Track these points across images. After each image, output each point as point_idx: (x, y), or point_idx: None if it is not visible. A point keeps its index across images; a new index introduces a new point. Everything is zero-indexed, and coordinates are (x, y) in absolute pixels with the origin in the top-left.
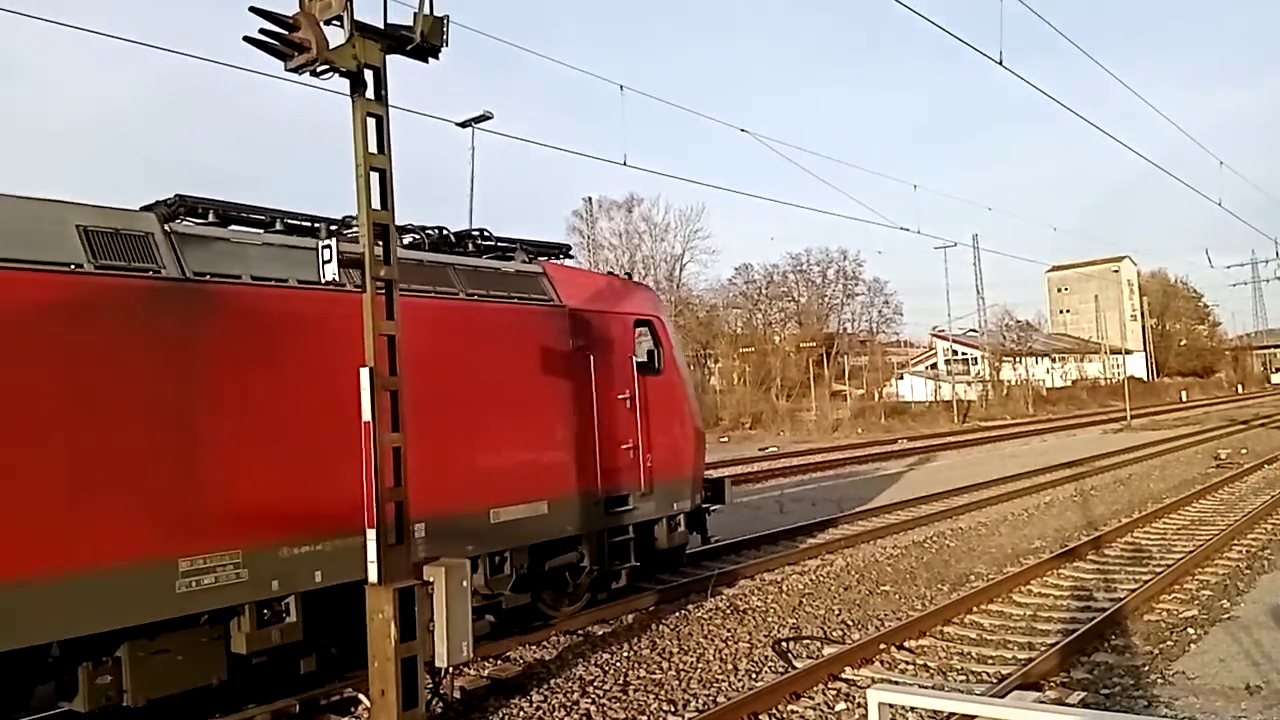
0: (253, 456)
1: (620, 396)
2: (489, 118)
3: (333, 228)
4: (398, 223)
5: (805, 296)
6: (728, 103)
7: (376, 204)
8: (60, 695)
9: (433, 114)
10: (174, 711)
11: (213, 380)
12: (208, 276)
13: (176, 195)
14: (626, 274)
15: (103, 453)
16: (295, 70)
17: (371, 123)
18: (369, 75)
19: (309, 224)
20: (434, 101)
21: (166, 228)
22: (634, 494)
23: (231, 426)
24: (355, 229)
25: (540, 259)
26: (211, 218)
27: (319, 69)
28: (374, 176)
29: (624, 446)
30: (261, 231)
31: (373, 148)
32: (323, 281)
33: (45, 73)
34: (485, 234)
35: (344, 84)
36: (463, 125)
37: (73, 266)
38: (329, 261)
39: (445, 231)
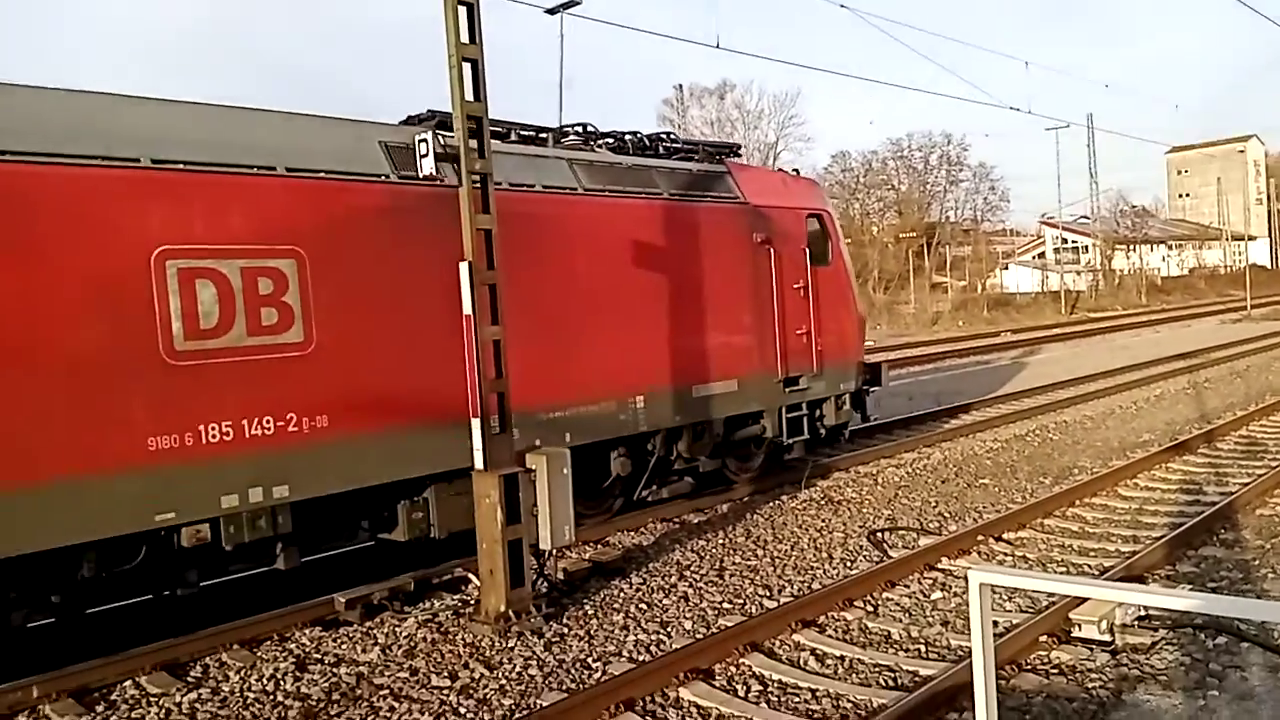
0: (515, 339)
1: (795, 286)
2: (578, 3)
3: (543, 135)
4: (590, 128)
5: (905, 184)
6: None
7: (470, 95)
8: (377, 529)
9: (522, 0)
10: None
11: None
12: None
13: (429, 110)
14: (795, 170)
15: (429, 332)
16: None
17: (463, 11)
18: None
19: (535, 133)
20: None
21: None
22: (807, 374)
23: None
24: (572, 137)
25: (723, 157)
26: None
27: None
28: (466, 68)
29: (799, 332)
30: (501, 143)
31: (464, 37)
32: (421, 176)
33: None
34: (672, 136)
35: None
36: (551, 12)
37: (383, 176)
38: (425, 156)
39: (639, 136)
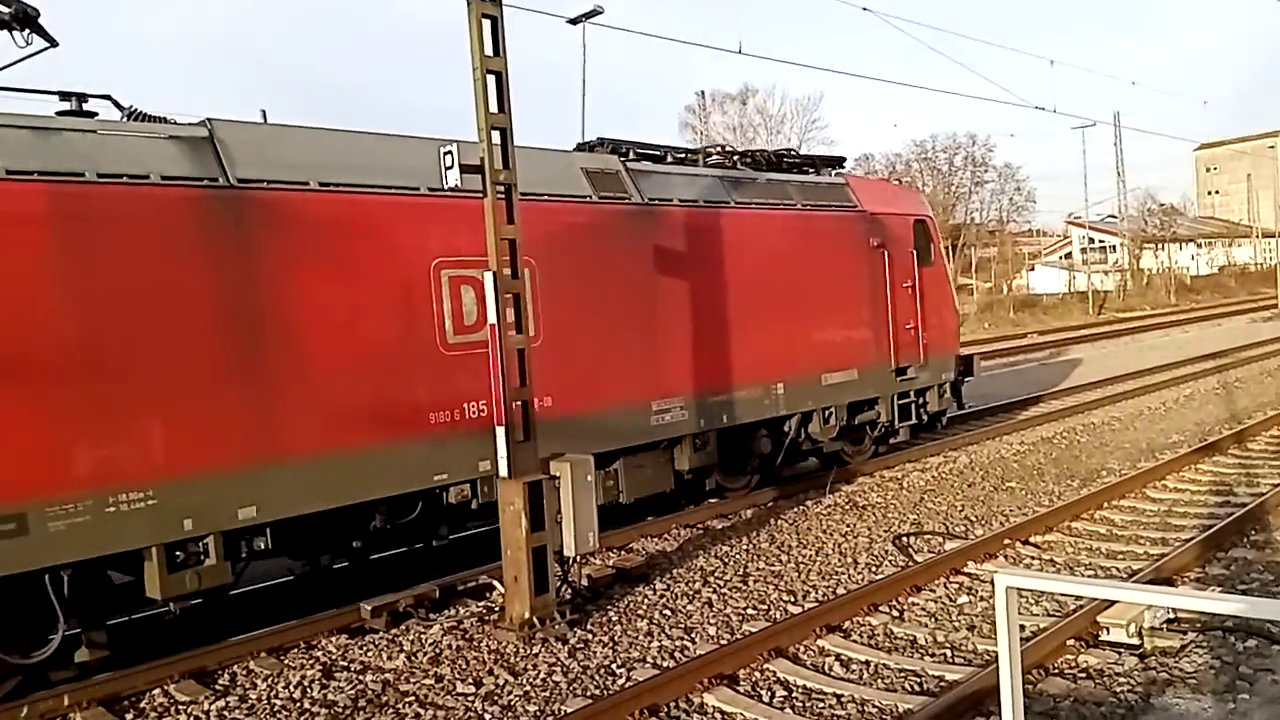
0: (687, 334)
1: (905, 285)
2: (600, 12)
3: (693, 156)
4: (729, 148)
5: (930, 186)
6: None
7: (494, 107)
8: None
9: (545, 10)
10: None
11: (658, 276)
12: (654, 201)
13: (598, 138)
14: (898, 180)
15: (614, 327)
16: None
17: (487, 24)
18: None
19: (685, 155)
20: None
21: (626, 166)
22: (914, 365)
23: (671, 311)
24: (717, 156)
25: (838, 170)
26: (632, 154)
27: None
28: (490, 79)
29: (908, 326)
30: (655, 165)
31: (489, 50)
32: (447, 186)
33: None
34: (794, 152)
35: None
36: (574, 22)
37: (587, 197)
38: (450, 168)
39: (767, 153)
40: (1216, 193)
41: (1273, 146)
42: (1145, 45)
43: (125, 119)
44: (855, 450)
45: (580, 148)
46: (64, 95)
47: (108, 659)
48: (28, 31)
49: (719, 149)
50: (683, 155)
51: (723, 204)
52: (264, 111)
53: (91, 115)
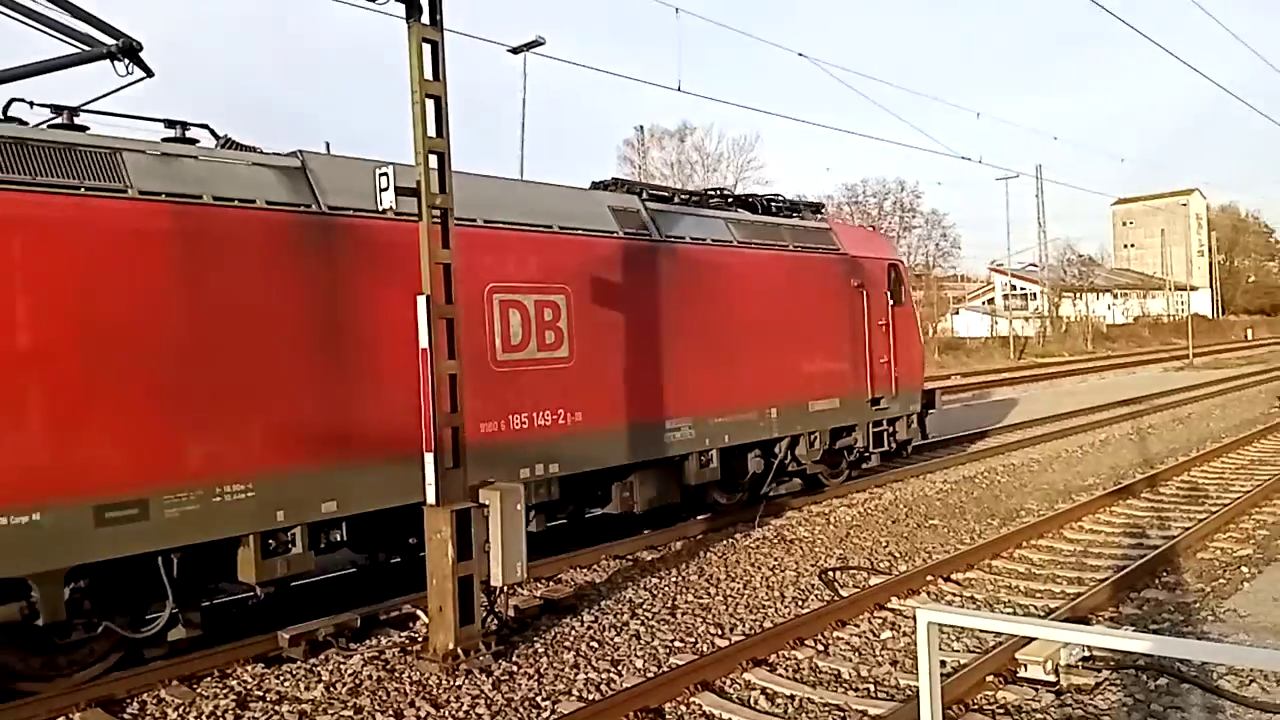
0: (696, 360)
1: (880, 323)
2: (541, 43)
3: (695, 197)
4: (725, 191)
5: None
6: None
7: (432, 131)
8: (592, 504)
9: (486, 38)
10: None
11: (671, 306)
12: (669, 238)
13: (614, 178)
14: (872, 226)
15: (633, 351)
16: None
17: (427, 49)
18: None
19: (690, 196)
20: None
21: (646, 205)
22: (887, 396)
23: (681, 338)
24: (716, 198)
25: (819, 215)
26: (645, 194)
27: None
28: (429, 104)
29: (881, 360)
30: (668, 204)
31: (429, 74)
32: (381, 210)
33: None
34: (781, 197)
35: (399, 9)
36: (515, 51)
37: (614, 232)
38: (385, 190)
39: (759, 197)
40: (1132, 246)
41: (1184, 204)
42: (1067, 102)
43: (220, 146)
44: (832, 473)
45: (596, 186)
46: (169, 123)
47: (198, 639)
48: (128, 63)
49: (718, 191)
50: (687, 197)
51: (727, 243)
52: (328, 144)
53: (193, 142)
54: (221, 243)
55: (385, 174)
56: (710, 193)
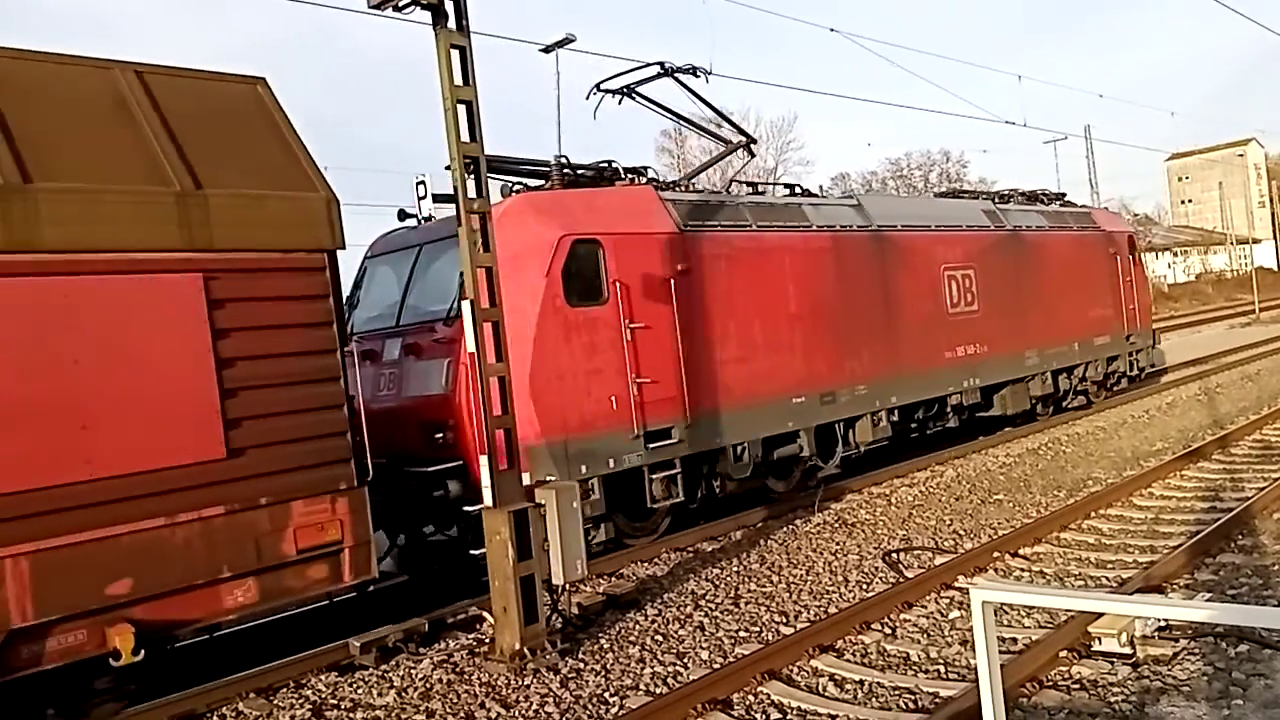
0: (1036, 310)
1: (1126, 279)
2: (572, 40)
3: (974, 194)
4: (1021, 190)
5: None
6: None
7: (466, 136)
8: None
9: (515, 38)
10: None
11: (1021, 274)
12: (1016, 228)
13: (963, 188)
14: (1104, 207)
15: (1011, 308)
16: (378, 7)
17: (455, 55)
18: (450, 6)
19: (1010, 195)
20: (514, 26)
21: (997, 206)
22: (1135, 333)
23: (1030, 297)
24: (1022, 196)
25: (1063, 202)
26: (995, 199)
27: (402, 2)
28: (461, 109)
29: (1131, 307)
30: (1008, 204)
31: (458, 80)
32: (424, 217)
33: (134, 27)
34: (1048, 191)
35: (425, 16)
36: (546, 50)
37: (987, 227)
38: (424, 198)
39: (1043, 191)
40: (1190, 201)
41: (1241, 155)
42: (1112, 59)
43: (802, 193)
44: (1095, 391)
45: (939, 195)
46: (789, 187)
47: (270, 650)
48: (745, 154)
49: (1006, 190)
50: (1009, 195)
51: (1043, 228)
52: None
53: (808, 193)
54: (834, 251)
55: (422, 182)
56: (1011, 192)
